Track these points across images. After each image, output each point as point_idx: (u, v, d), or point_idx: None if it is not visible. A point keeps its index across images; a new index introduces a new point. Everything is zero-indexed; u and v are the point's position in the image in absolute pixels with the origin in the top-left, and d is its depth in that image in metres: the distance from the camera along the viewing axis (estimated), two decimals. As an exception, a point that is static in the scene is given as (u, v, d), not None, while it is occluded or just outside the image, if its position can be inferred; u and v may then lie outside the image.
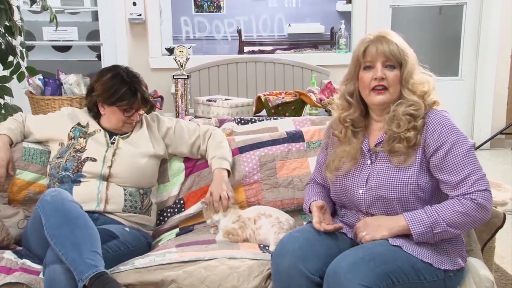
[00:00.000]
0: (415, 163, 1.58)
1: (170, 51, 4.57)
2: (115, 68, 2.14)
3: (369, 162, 1.66)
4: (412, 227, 1.53)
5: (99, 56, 5.04)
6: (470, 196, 1.51)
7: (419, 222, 1.53)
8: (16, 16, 2.99)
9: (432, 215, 1.52)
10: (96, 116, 2.17)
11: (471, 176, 1.52)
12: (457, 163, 1.54)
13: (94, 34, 5.07)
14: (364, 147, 1.68)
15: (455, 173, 1.54)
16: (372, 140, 1.68)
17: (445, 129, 1.56)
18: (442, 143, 1.55)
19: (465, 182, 1.52)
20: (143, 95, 2.10)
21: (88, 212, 1.83)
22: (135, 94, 2.08)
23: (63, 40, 4.92)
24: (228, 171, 2.13)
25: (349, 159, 1.68)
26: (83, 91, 2.83)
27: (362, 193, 1.64)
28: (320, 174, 1.84)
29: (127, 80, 2.08)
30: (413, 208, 1.57)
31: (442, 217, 1.51)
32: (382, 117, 1.65)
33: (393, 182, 1.58)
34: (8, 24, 2.87)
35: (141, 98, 2.09)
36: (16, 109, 2.89)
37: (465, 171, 1.53)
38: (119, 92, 2.06)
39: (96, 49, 5.19)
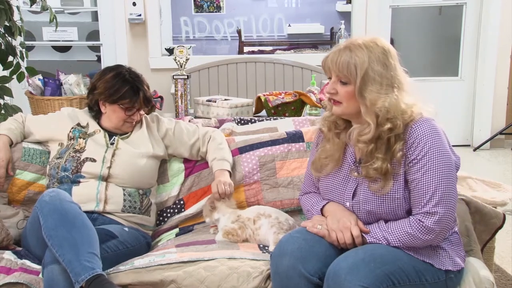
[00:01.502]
0: (397, 184, 1.53)
1: (170, 51, 4.57)
2: (117, 68, 2.14)
3: (356, 174, 1.62)
4: (367, 237, 1.55)
5: (99, 58, 5.05)
6: (418, 217, 1.49)
7: (373, 236, 1.55)
8: (16, 16, 2.99)
9: (385, 231, 1.53)
10: (97, 115, 2.17)
11: (424, 198, 1.49)
12: (421, 181, 1.49)
13: (94, 34, 5.07)
14: (350, 159, 1.64)
15: (416, 190, 1.51)
16: (357, 152, 1.63)
17: (424, 141, 1.49)
18: (417, 156, 1.50)
19: (420, 202, 1.50)
20: (145, 94, 2.11)
21: (87, 212, 1.83)
22: (137, 93, 2.08)
23: (63, 40, 4.93)
24: (229, 172, 2.13)
25: (332, 160, 1.65)
26: (83, 91, 2.83)
27: (350, 206, 1.61)
28: (313, 184, 1.78)
29: (129, 79, 2.09)
30: (401, 218, 1.55)
31: (392, 234, 1.52)
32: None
33: (379, 198, 1.55)
34: (8, 24, 2.87)
35: (143, 97, 2.09)
36: (16, 109, 2.89)
37: (426, 190, 1.49)
38: (121, 91, 2.06)
39: (96, 49, 5.19)
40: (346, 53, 1.52)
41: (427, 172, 1.49)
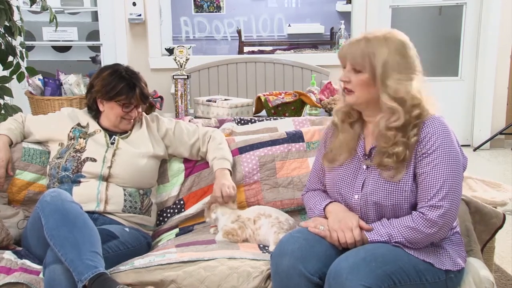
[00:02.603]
0: (407, 175, 1.55)
1: (170, 51, 4.57)
2: (114, 66, 2.16)
3: (364, 167, 1.64)
4: (369, 235, 1.55)
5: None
6: (422, 210, 1.51)
7: (376, 233, 1.55)
8: (16, 16, 2.99)
9: (388, 227, 1.54)
10: (96, 115, 2.17)
11: (431, 192, 1.51)
12: (429, 175, 1.52)
13: (94, 34, 5.07)
14: (360, 151, 1.66)
15: (424, 184, 1.53)
16: (367, 143, 1.66)
17: (435, 137, 1.53)
18: (427, 151, 1.53)
19: (426, 195, 1.52)
20: (142, 91, 2.11)
21: (88, 212, 1.83)
22: (133, 89, 2.09)
23: (63, 40, 4.93)
24: (230, 170, 2.13)
25: (346, 150, 1.66)
26: (83, 91, 2.83)
27: (358, 198, 1.62)
28: (319, 181, 1.80)
29: (126, 76, 2.10)
30: (405, 213, 1.56)
31: (394, 229, 1.53)
32: (370, 118, 1.65)
33: (388, 189, 1.56)
34: (8, 24, 2.87)
35: (139, 94, 2.10)
36: (16, 109, 2.89)
37: (433, 184, 1.51)
38: (118, 88, 2.07)
39: (96, 49, 5.19)
40: (363, 43, 1.57)
41: (436, 167, 1.51)
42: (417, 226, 1.50)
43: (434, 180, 1.51)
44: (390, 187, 1.56)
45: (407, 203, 1.56)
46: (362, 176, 1.63)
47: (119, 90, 2.07)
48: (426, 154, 1.53)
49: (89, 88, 2.16)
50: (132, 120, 2.14)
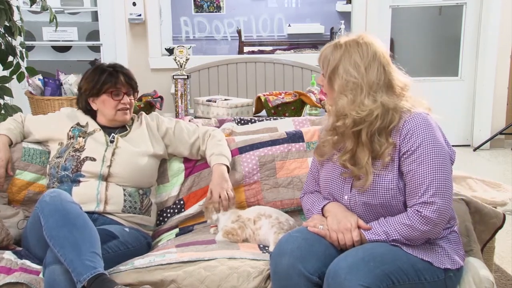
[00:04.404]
0: (392, 173, 1.55)
1: (170, 51, 4.57)
2: (97, 64, 2.21)
3: (346, 174, 1.64)
4: (367, 234, 1.55)
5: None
6: (416, 207, 1.51)
7: (373, 232, 1.55)
8: (16, 16, 3.00)
9: (384, 225, 1.54)
10: (93, 116, 2.18)
11: (421, 189, 1.50)
12: (417, 172, 1.51)
13: (94, 34, 5.07)
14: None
15: (412, 182, 1.52)
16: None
17: (417, 133, 1.53)
18: (411, 148, 1.53)
19: (416, 193, 1.51)
20: (126, 75, 2.13)
21: (87, 212, 1.83)
22: (116, 75, 2.11)
23: (62, 40, 4.93)
24: (227, 166, 2.13)
25: (332, 146, 1.66)
26: (83, 91, 2.83)
27: (348, 199, 1.63)
28: (316, 183, 1.80)
29: (107, 69, 2.14)
30: (397, 211, 1.57)
31: (390, 227, 1.53)
32: None
33: (374, 188, 1.56)
34: (8, 24, 2.88)
35: (123, 76, 2.12)
36: (16, 109, 2.90)
37: (421, 181, 1.50)
38: (101, 79, 2.10)
39: (96, 49, 5.19)
40: (330, 49, 1.61)
41: (422, 164, 1.51)
42: (413, 224, 1.50)
43: (422, 177, 1.50)
44: (375, 186, 1.56)
45: (396, 201, 1.56)
46: (350, 177, 1.63)
47: (104, 80, 2.10)
48: (410, 152, 1.53)
49: (79, 93, 2.18)
50: (127, 110, 2.14)
